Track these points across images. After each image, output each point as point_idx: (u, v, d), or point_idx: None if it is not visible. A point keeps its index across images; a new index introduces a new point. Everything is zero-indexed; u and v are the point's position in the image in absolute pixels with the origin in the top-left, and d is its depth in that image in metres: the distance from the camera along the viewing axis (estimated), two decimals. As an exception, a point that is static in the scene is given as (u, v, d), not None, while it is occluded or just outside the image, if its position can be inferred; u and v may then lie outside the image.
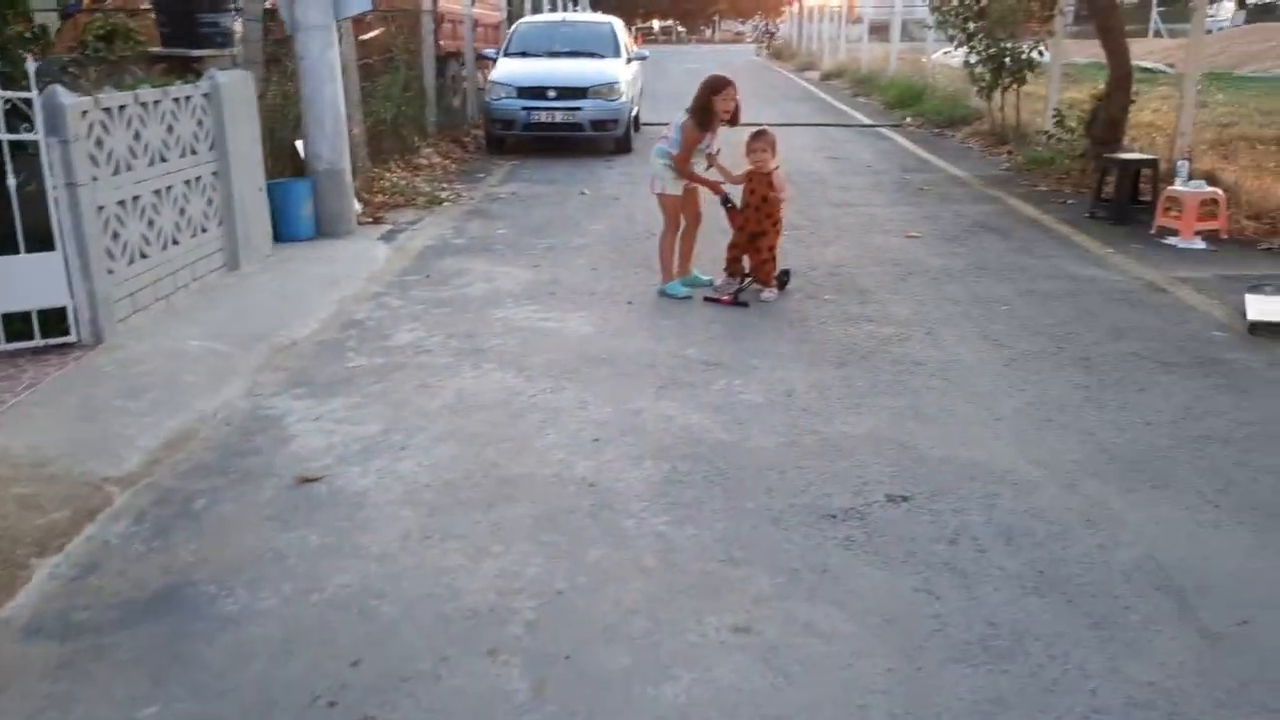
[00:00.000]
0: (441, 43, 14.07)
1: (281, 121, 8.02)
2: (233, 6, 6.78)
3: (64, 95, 4.58)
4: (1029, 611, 2.83)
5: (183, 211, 5.83)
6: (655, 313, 5.83)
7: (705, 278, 6.32)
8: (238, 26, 6.98)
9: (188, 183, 5.88)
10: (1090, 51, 22.11)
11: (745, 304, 5.91)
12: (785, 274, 6.31)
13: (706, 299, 6.03)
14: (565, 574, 3.02)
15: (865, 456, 3.85)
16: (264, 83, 7.50)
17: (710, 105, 5.88)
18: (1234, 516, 3.37)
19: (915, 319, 5.64)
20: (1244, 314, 5.48)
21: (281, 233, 7.27)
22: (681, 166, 5.95)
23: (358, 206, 8.21)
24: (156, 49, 6.60)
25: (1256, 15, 37.98)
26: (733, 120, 6.01)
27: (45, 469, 3.56)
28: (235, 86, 6.42)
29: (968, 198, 9.52)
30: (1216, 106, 13.12)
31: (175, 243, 5.74)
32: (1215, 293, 6.05)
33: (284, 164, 7.90)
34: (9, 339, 4.70)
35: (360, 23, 11.00)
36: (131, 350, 4.82)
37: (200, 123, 6.03)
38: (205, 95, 6.09)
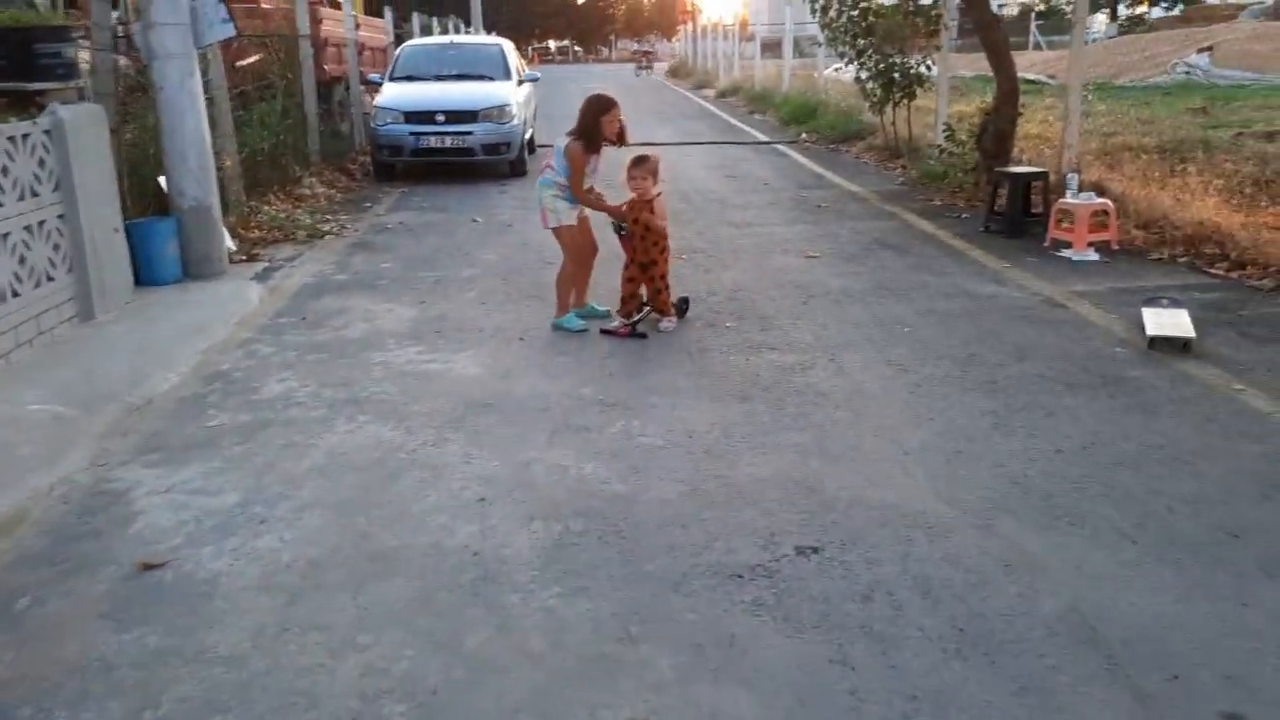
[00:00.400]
0: (326, 67, 13.56)
1: (144, 157, 7.48)
2: (76, 36, 6.26)
3: None
4: (951, 679, 2.60)
5: (22, 260, 5.30)
6: (549, 349, 5.52)
7: (602, 308, 6.04)
8: (84, 56, 6.45)
9: (28, 228, 5.36)
10: (975, 65, 22.66)
11: (643, 335, 5.65)
12: (684, 301, 6.08)
13: (603, 331, 5.75)
14: (441, 667, 2.68)
15: (772, 503, 3.60)
16: (121, 116, 6.96)
17: (597, 126, 5.63)
18: (1154, 553, 3.22)
19: (818, 345, 5.45)
20: (1142, 328, 5.44)
21: (144, 276, 6.74)
22: (577, 192, 5.69)
23: (231, 244, 7.71)
24: (-9, 83, 6.05)
25: (1127, 27, 39.67)
26: (620, 140, 5.77)
27: None
28: (83, 121, 5.90)
29: (865, 214, 9.47)
30: (1098, 116, 13.43)
31: (15, 295, 5.21)
32: (1112, 306, 6.01)
33: (149, 202, 7.36)
34: None
35: (232, 48, 10.48)
36: (-44, 420, 4.30)
37: (42, 162, 5.51)
38: (46, 132, 5.57)
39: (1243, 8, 35.64)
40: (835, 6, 12.44)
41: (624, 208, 5.75)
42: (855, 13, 12.12)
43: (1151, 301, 5.79)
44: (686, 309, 6.04)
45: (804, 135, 15.89)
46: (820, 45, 17.34)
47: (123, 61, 7.80)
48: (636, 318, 5.80)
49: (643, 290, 5.86)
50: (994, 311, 6.01)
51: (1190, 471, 3.81)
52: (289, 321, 6.08)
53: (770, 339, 5.57)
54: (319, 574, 3.16)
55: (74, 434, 4.26)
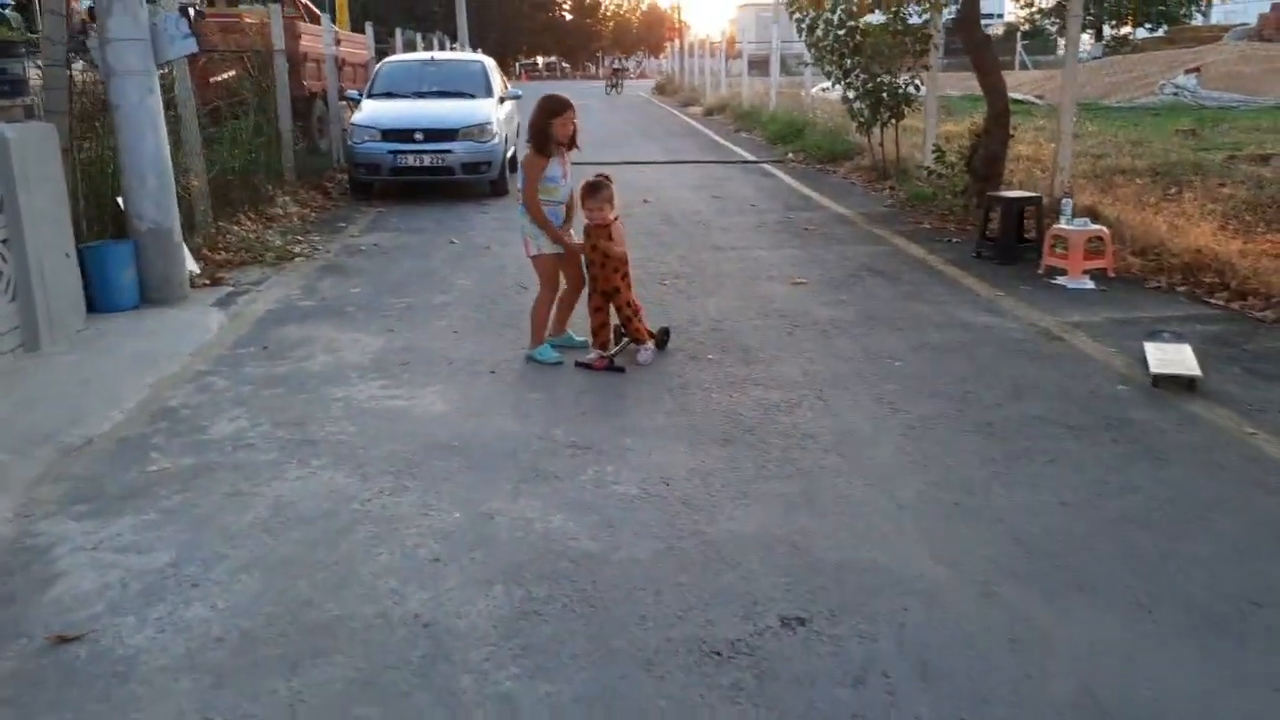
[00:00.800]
0: (305, 83, 13.28)
1: (105, 177, 7.17)
2: (22, 52, 5.95)
3: None
4: (955, 783, 2.31)
5: (-41, 287, 4.98)
6: (520, 384, 5.22)
7: (579, 338, 5.75)
8: (33, 73, 6.14)
9: (-35, 253, 5.04)
10: (963, 84, 22.56)
11: (621, 369, 5.36)
12: (665, 332, 5.79)
13: (578, 364, 5.45)
14: (378, 769, 2.37)
15: (754, 564, 3.30)
16: (78, 134, 6.64)
17: (547, 128, 5.37)
18: (1172, 625, 2.93)
19: (805, 381, 5.16)
20: (1144, 363, 5.18)
21: (100, 303, 6.42)
22: (530, 199, 5.40)
23: (194, 267, 7.39)
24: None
25: (1113, 48, 39.79)
26: (571, 144, 5.50)
27: None
28: (30, 141, 5.60)
29: (853, 238, 9.21)
30: (1088, 137, 13.26)
31: (-52, 325, 4.89)
32: (1111, 340, 5.76)
33: (108, 225, 7.05)
34: None
35: (200, 63, 10.18)
36: None
37: (-18, 183, 5.20)
38: (-13, 151, 5.26)
39: (1226, 29, 35.79)
40: (822, 26, 12.23)
41: (585, 246, 5.45)
42: (842, 32, 11.91)
43: (1153, 336, 5.54)
44: (667, 340, 5.76)
45: (791, 154, 15.67)
46: (807, 64, 17.14)
47: (89, 77, 7.49)
48: (613, 350, 5.51)
49: (614, 319, 5.58)
50: (989, 344, 5.74)
51: (1205, 528, 3.53)
52: (248, 352, 5.76)
53: (754, 373, 5.28)
54: (251, 650, 2.84)
55: (1, 480, 3.92)
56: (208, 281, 7.40)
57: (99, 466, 4.16)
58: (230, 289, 7.29)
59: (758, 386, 5.08)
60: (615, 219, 5.41)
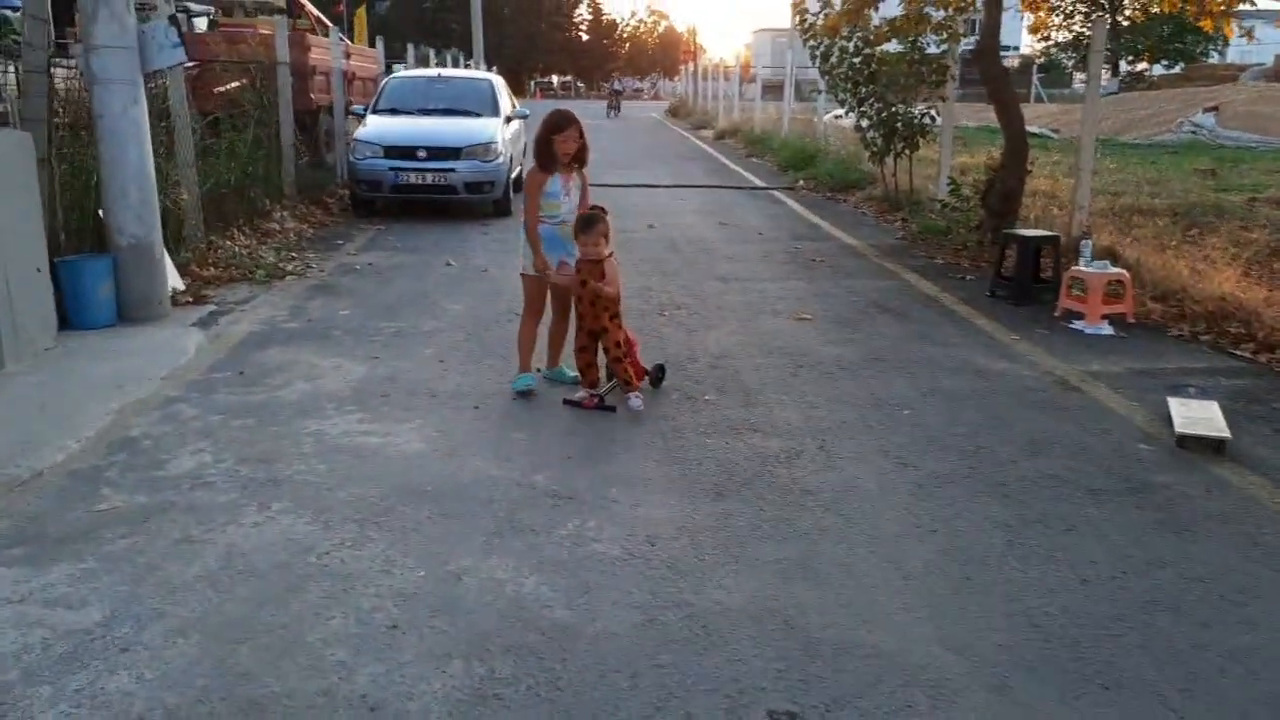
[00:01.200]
0: (313, 96, 13.08)
1: (87, 189, 6.91)
2: (-4, 55, 5.72)
3: None
4: None
5: (-86, 303, 4.71)
6: (504, 420, 4.92)
7: (572, 373, 5.45)
8: (9, 80, 5.91)
9: (-77, 267, 4.77)
10: (978, 116, 22.34)
11: (611, 409, 5.06)
12: (660, 369, 5.49)
13: (566, 402, 5.16)
14: None
15: (743, 644, 2.99)
16: (55, 144, 6.39)
17: (549, 144, 5.14)
18: (1209, 735, 2.62)
19: (806, 428, 4.86)
20: (1166, 418, 4.87)
21: (74, 320, 6.16)
22: (528, 215, 5.17)
23: (178, 284, 7.13)
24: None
25: (1129, 84, 39.61)
26: (579, 160, 5.25)
27: None
28: (2, 151, 5.34)
29: (862, 271, 8.92)
30: (1105, 174, 12.97)
31: (-99, 342, 4.61)
32: (1132, 392, 5.44)
33: (88, 238, 6.78)
34: None
35: (196, 73, 9.98)
36: None
37: (-54, 193, 4.94)
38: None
39: (1243, 68, 35.60)
40: (837, 53, 11.98)
41: (575, 279, 5.16)
42: (858, 60, 11.66)
43: (1178, 390, 5.23)
44: (663, 378, 5.46)
45: (801, 182, 15.41)
46: (821, 91, 16.92)
47: (76, 84, 7.25)
48: (604, 388, 5.22)
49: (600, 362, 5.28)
50: (1003, 393, 5.43)
51: (1239, 616, 3.21)
52: (222, 377, 5.48)
53: (753, 418, 4.98)
54: (173, 733, 2.54)
55: (-67, 518, 3.64)
56: (191, 299, 7.13)
57: (44, 503, 3.86)
58: (214, 308, 7.03)
59: (756, 433, 4.78)
60: (609, 255, 5.10)
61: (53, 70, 6.25)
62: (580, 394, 5.18)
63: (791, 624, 3.10)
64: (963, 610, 3.20)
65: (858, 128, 12.53)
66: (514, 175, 12.10)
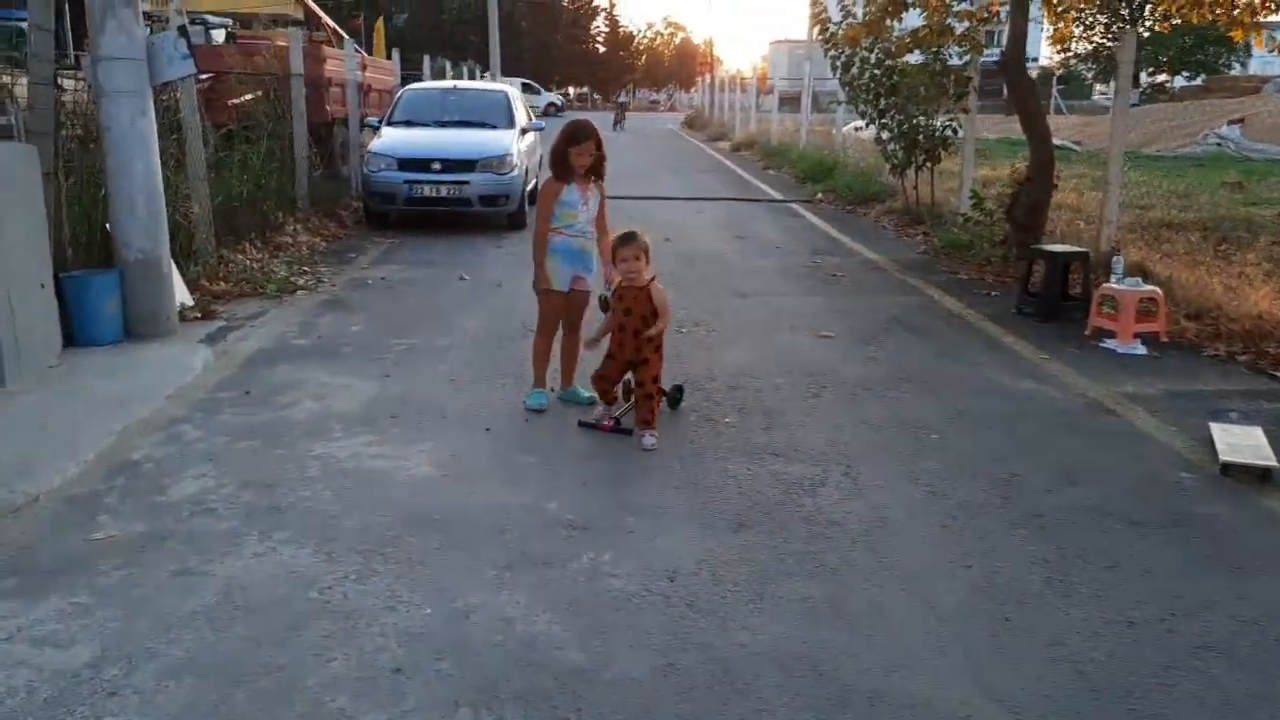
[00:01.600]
0: (328, 108, 13.00)
1: (95, 203, 6.80)
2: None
3: None
4: None
5: (-87, 320, 4.59)
6: (517, 443, 4.76)
7: (586, 394, 5.29)
8: (18, 92, 5.81)
9: (-77, 284, 4.65)
10: (999, 128, 22.14)
11: (628, 431, 4.88)
12: (679, 391, 5.31)
13: (582, 424, 4.99)
14: None
15: (768, 690, 2.80)
16: (63, 157, 6.28)
17: (566, 156, 5.00)
18: (1276, 801, 2.41)
19: (831, 452, 4.67)
20: (1209, 445, 4.66)
21: (79, 336, 6.03)
22: (538, 225, 5.07)
23: (187, 299, 7.01)
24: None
25: (1150, 95, 39.28)
26: (595, 172, 5.10)
27: None
28: (7, 162, 5.23)
29: (884, 287, 8.73)
30: (1132, 187, 12.74)
31: (-102, 361, 4.49)
32: (1170, 415, 5.23)
33: (96, 252, 6.67)
34: None
35: (208, 85, 9.90)
36: None
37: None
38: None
39: (1265, 80, 35.21)
40: (857, 64, 11.82)
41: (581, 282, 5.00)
42: (879, 71, 11.49)
43: (1219, 415, 5.02)
44: (680, 399, 5.28)
45: (819, 194, 15.23)
46: (840, 103, 16.74)
47: (84, 97, 7.16)
48: (621, 409, 5.04)
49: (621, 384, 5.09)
50: (1034, 416, 5.23)
51: (1301, 662, 3.00)
52: (229, 396, 5.34)
53: (775, 442, 4.80)
54: (160, 789, 2.37)
55: (-78, 547, 3.49)
56: (200, 315, 7.00)
57: (39, 531, 3.72)
58: (223, 323, 6.89)
59: (778, 458, 4.59)
60: (653, 279, 4.85)
61: (61, 82, 6.15)
62: (597, 412, 5.02)
63: (820, 669, 2.91)
64: (1002, 655, 3.01)
65: (878, 140, 12.36)
66: (530, 188, 11.97)
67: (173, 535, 3.70)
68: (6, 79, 5.87)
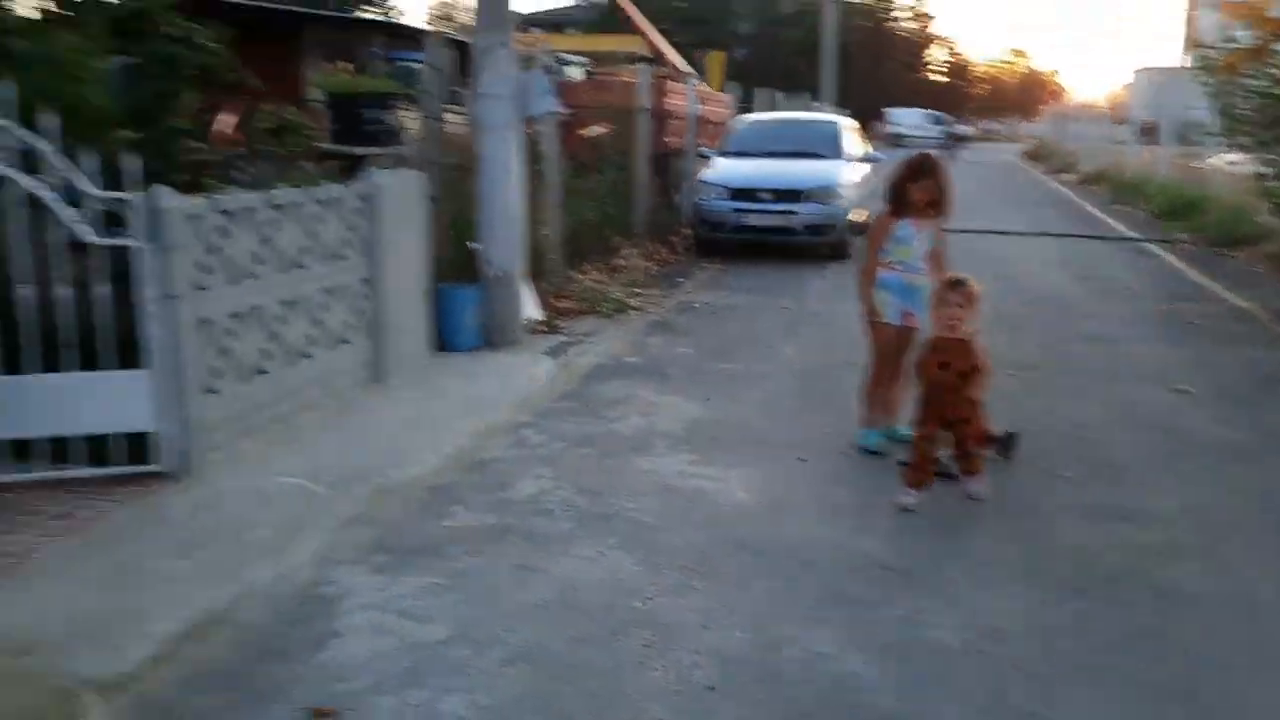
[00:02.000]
0: (666, 140, 13.65)
1: (465, 224, 7.57)
2: (396, 104, 6.39)
3: (168, 198, 4.12)
4: None
5: (319, 322, 5.32)
6: (831, 477, 4.72)
7: (905, 431, 5.13)
8: (409, 123, 6.59)
9: (329, 290, 5.39)
10: None
11: (952, 476, 4.66)
12: (1012, 439, 5.00)
13: (902, 464, 4.84)
14: None
15: (1103, 775, 2.57)
16: (443, 184, 7.05)
17: (904, 191, 4.88)
18: None
19: (1188, 521, 4.22)
20: None
21: (446, 341, 6.74)
22: (867, 257, 5.03)
23: (536, 314, 7.60)
24: (325, 145, 6.28)
25: None
26: (935, 209, 4.95)
27: (25, 658, 2.92)
28: (398, 187, 5.96)
29: (1256, 339, 7.77)
30: None
31: (306, 356, 5.22)
32: None
33: (463, 269, 7.42)
34: (93, 463, 4.24)
35: (571, 119, 10.68)
36: (214, 487, 4.24)
37: (352, 226, 5.56)
38: (361, 196, 5.63)
39: None
40: (1240, 93, 10.64)
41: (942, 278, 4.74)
42: (1264, 100, 10.28)
43: None
44: (1013, 447, 4.97)
45: (1180, 234, 13.83)
46: (1211, 134, 15.13)
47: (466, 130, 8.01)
48: (946, 456, 4.82)
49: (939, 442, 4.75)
50: None
51: None
52: (567, 406, 5.74)
53: (1121, 502, 4.41)
54: (495, 765, 2.58)
55: (313, 518, 4.03)
56: (546, 329, 7.57)
57: (404, 514, 4.18)
58: (564, 338, 7.41)
59: (1124, 521, 4.21)
60: (974, 332, 4.49)
61: (445, 117, 6.92)
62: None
63: (1166, 762, 2.63)
64: (1403, 782, 2.57)
65: (1257, 175, 11.04)
66: (862, 220, 11.86)
67: (514, 530, 4.03)
68: (406, 114, 6.67)
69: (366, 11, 17.43)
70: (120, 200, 4.10)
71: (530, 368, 6.52)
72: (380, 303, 5.81)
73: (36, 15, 5.28)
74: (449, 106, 7.16)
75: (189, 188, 4.60)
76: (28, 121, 3.99)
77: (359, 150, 6.13)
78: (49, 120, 4.01)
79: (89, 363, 4.17)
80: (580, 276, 9.27)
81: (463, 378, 6.21)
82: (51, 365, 4.15)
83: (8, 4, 4.94)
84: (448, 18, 29.30)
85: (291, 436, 4.91)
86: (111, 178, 4.12)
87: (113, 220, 4.14)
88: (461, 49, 7.70)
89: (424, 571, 3.65)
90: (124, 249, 4.12)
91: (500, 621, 3.30)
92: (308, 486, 4.31)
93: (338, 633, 3.21)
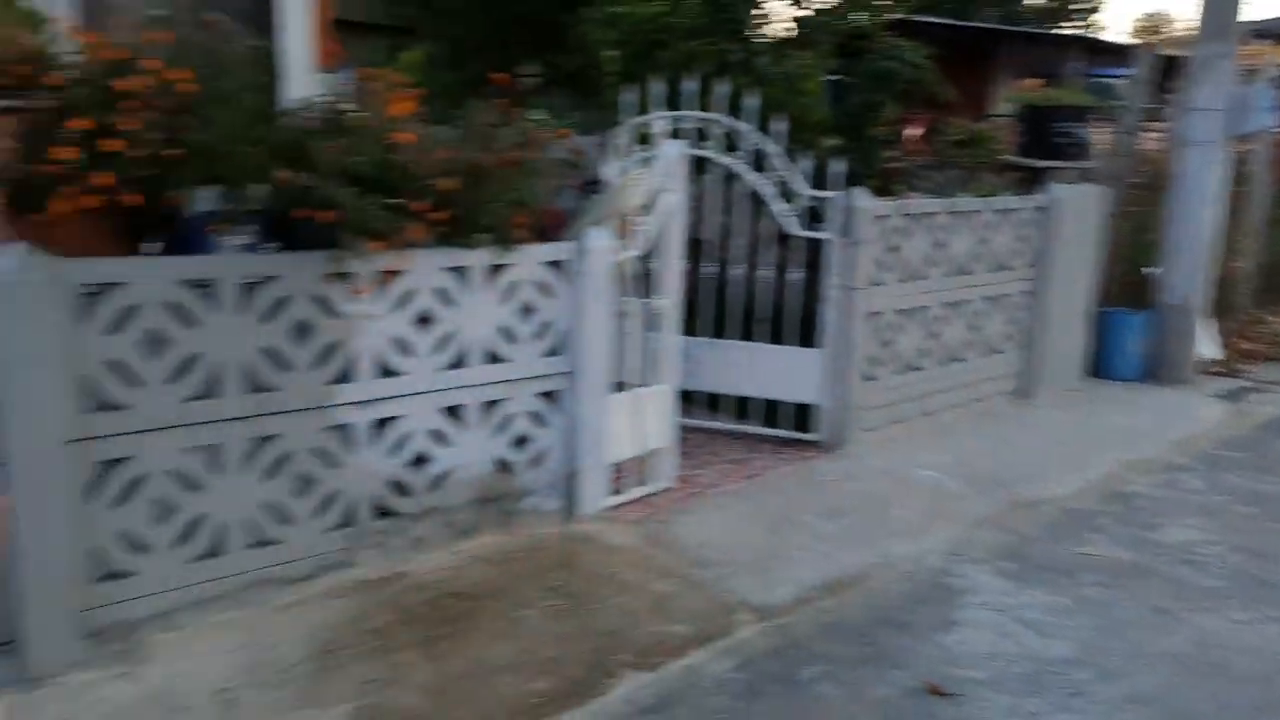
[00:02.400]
0: None
1: (1139, 246, 7.07)
2: (1088, 118, 6.16)
3: (861, 199, 4.56)
4: None
5: (977, 328, 5.45)
6: None
7: None
8: (1100, 139, 6.33)
9: (990, 299, 5.48)
10: None
11: None
12: None
13: None
14: None
15: None
16: (1125, 202, 6.67)
17: None
18: None
19: None
20: None
21: (1099, 368, 6.42)
22: None
23: (1214, 353, 6.85)
24: (1009, 157, 6.32)
25: None
26: None
27: (698, 571, 3.52)
28: (1077, 202, 5.81)
29: None
30: None
31: (959, 360, 5.39)
32: None
33: (1132, 294, 6.96)
34: (765, 423, 4.89)
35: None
36: (862, 463, 4.62)
37: (1022, 237, 5.57)
38: (1037, 209, 5.61)
39: None
40: None
41: None
42: None
43: None
44: None
45: None
46: None
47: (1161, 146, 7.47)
48: None
49: None
50: None
51: None
52: (1236, 458, 5.12)
53: None
54: (1106, 796, 2.49)
55: (949, 512, 4.19)
56: (1221, 370, 6.79)
57: (1036, 530, 4.14)
58: (1243, 383, 6.57)
59: None
60: None
61: (1139, 133, 6.54)
62: None
63: None
64: None
65: None
66: None
67: (1157, 573, 3.76)
68: (1098, 129, 6.44)
69: (1065, 28, 16.97)
70: (822, 199, 4.64)
71: (1198, 409, 5.92)
72: (1040, 317, 5.75)
73: (779, 37, 6.13)
74: (1146, 122, 6.73)
75: (879, 192, 5.02)
76: (762, 128, 4.71)
77: (1043, 164, 6.06)
78: (778, 126, 4.69)
79: (775, 338, 4.81)
80: (1272, 319, 8.08)
81: (1116, 406, 5.87)
82: (746, 335, 4.87)
83: (758, 34, 5.82)
84: (1154, 30, 27.14)
85: (935, 432, 5.13)
86: (819, 178, 4.68)
87: (814, 216, 4.71)
88: (1167, 63, 7.18)
89: (1052, 589, 3.60)
90: (818, 241, 4.67)
91: (1130, 659, 3.14)
92: (944, 482, 4.49)
93: (959, 622, 3.33)
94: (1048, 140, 6.03)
